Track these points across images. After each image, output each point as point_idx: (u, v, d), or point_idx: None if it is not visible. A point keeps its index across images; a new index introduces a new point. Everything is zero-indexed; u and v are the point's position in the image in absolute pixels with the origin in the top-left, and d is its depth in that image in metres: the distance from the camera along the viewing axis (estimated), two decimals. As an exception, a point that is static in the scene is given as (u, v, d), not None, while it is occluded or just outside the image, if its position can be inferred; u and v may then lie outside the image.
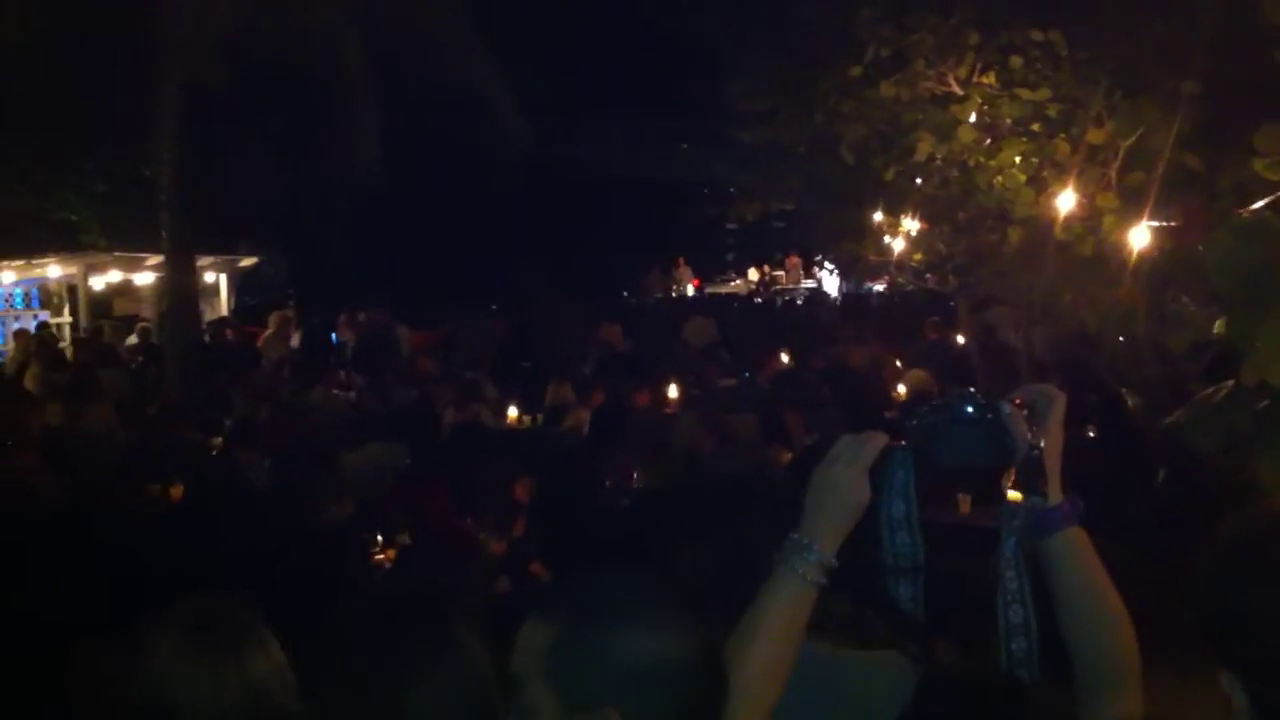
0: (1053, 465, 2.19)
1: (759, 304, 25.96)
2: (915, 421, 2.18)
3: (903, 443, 2.18)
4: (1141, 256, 6.86)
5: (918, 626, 2.31)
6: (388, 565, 6.23)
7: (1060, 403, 2.22)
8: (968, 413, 2.14)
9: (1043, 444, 2.17)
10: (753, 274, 31.39)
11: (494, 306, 20.77)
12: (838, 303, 25.16)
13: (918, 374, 10.76)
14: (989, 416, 2.13)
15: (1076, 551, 2.21)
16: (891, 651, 2.61)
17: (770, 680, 2.04)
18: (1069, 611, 2.20)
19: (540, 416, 10.38)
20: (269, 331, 16.51)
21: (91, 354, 14.64)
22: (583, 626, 1.83)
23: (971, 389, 2.36)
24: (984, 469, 2.18)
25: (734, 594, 2.15)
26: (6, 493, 5.68)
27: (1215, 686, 2.02)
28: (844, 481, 2.12)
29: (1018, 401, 2.17)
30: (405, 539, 6.04)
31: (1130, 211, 7.01)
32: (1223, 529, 2.08)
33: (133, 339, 16.91)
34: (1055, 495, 2.20)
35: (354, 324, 16.89)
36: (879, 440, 2.16)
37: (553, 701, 1.81)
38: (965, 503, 7.10)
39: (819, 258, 25.99)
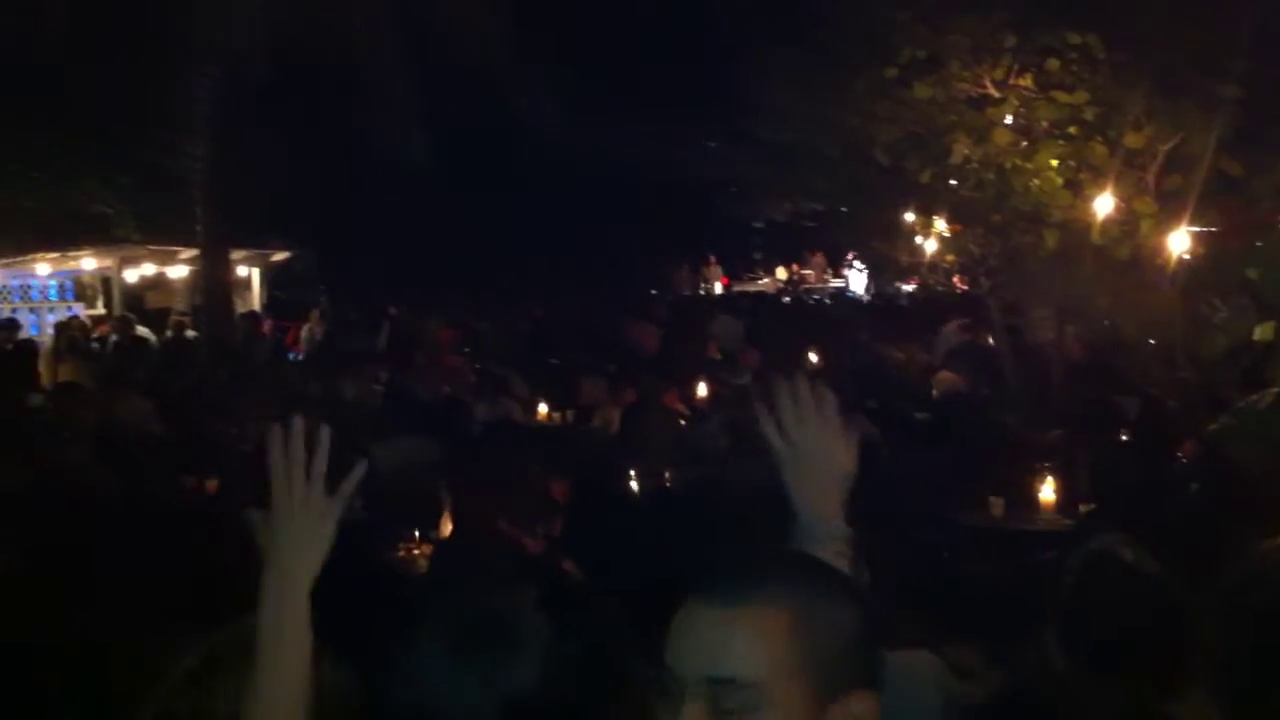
0: None
1: (787, 303, 25.85)
2: None
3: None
4: (1179, 261, 6.84)
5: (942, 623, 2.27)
6: (421, 561, 6.23)
7: None
8: None
9: None
10: (780, 273, 31.29)
11: (524, 303, 20.77)
12: (864, 301, 25.07)
13: (947, 374, 10.71)
14: None
15: None
16: (922, 651, 2.56)
17: None
18: None
19: (570, 413, 10.35)
20: (309, 325, 16.66)
21: (120, 346, 14.72)
22: None
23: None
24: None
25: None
26: (62, 486, 5.69)
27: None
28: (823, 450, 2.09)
29: None
30: (440, 535, 6.04)
31: (1168, 216, 7.00)
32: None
33: (169, 332, 17.00)
34: None
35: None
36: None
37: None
38: (998, 506, 7.07)
39: (850, 255, 25.96)
